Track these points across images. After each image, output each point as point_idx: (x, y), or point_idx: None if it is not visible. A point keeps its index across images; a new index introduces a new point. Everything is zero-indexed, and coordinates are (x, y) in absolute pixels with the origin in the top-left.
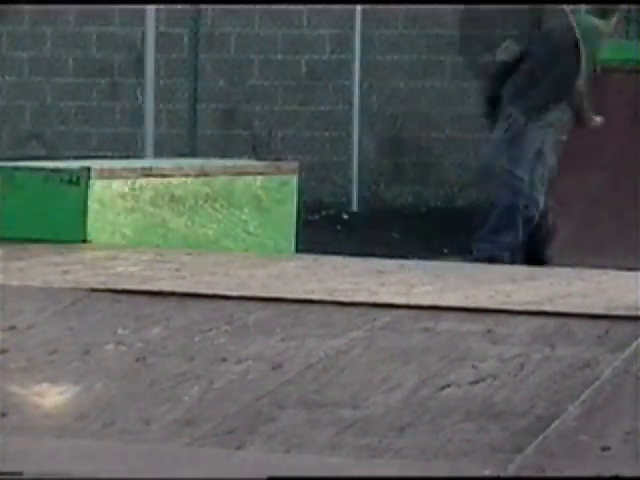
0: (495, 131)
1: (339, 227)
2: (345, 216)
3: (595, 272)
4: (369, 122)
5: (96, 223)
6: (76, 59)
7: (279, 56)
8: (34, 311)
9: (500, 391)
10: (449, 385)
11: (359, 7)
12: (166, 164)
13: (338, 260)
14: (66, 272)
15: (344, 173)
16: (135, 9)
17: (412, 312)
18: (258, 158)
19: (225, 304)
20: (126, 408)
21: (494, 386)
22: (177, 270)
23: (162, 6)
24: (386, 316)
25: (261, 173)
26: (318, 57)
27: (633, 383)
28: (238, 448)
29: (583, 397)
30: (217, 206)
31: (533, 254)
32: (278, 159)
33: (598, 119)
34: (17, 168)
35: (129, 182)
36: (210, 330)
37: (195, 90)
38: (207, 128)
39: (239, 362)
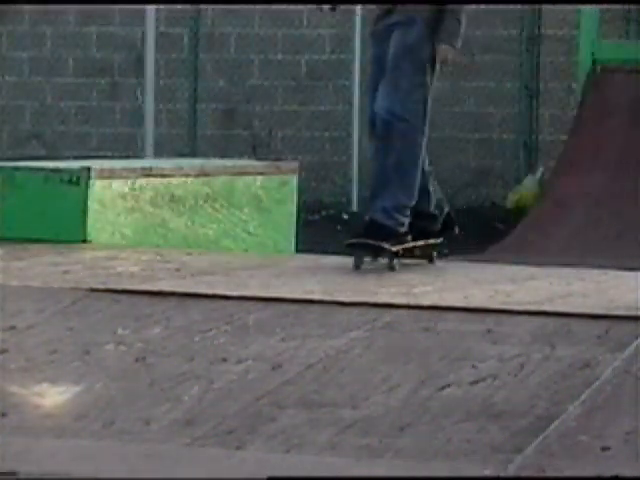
0: None
1: (339, 227)
2: (345, 216)
3: (595, 272)
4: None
5: (96, 223)
6: (76, 59)
7: (279, 56)
8: (34, 311)
9: (500, 391)
10: (449, 385)
11: (359, 7)
12: (166, 164)
13: (338, 260)
14: (66, 272)
15: (344, 173)
16: (135, 9)
17: (412, 312)
18: (258, 158)
19: (225, 304)
20: (126, 408)
21: (494, 386)
22: (177, 270)
23: (162, 6)
24: (386, 316)
25: (261, 173)
26: (318, 57)
27: (633, 383)
28: (238, 448)
29: (583, 397)
30: (217, 206)
31: None
32: (278, 159)
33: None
34: (17, 168)
35: (129, 182)
36: (210, 330)
37: (195, 90)
38: (207, 128)
39: (239, 362)
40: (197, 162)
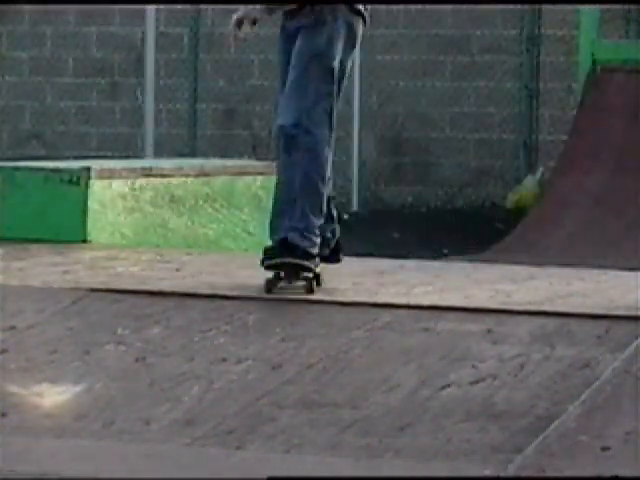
0: None
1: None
2: (345, 216)
3: (595, 272)
4: (369, 122)
5: (96, 223)
6: (76, 59)
7: None
8: (34, 311)
9: (500, 391)
10: (449, 385)
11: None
12: (166, 164)
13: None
14: (66, 272)
15: (344, 173)
16: (135, 9)
17: (412, 312)
18: (258, 158)
19: (225, 304)
20: (126, 408)
21: (494, 386)
22: (177, 270)
23: (162, 6)
24: (386, 316)
25: (261, 173)
26: None
27: (633, 383)
28: (238, 448)
29: (583, 397)
30: (217, 206)
31: None
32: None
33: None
34: (17, 168)
35: (129, 182)
36: (210, 330)
37: (195, 90)
38: (207, 128)
39: (239, 362)
40: (197, 162)
